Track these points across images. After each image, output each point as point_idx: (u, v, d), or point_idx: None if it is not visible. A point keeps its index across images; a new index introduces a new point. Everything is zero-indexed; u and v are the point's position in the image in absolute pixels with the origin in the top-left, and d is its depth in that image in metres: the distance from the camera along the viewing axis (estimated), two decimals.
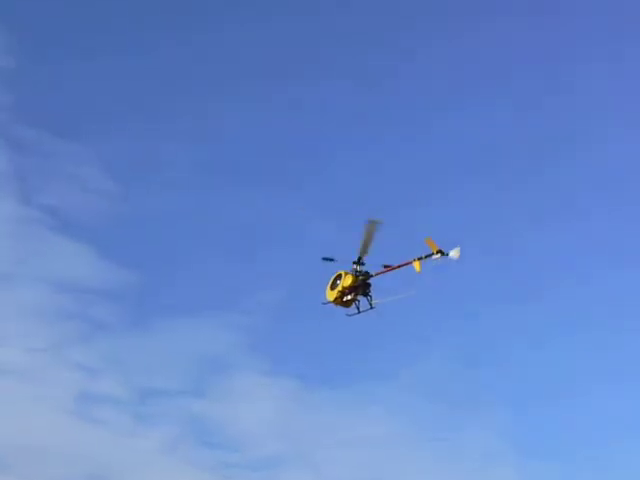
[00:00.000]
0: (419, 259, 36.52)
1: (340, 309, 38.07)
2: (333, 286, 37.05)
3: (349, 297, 36.91)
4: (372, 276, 37.34)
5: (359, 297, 37.24)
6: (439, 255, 36.40)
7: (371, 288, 37.19)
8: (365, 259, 37.56)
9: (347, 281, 37.10)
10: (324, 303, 37.16)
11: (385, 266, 38.06)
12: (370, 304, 37.23)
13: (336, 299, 37.00)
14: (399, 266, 37.44)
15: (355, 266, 37.22)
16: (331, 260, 37.85)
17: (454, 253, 36.50)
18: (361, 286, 37.13)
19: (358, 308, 37.21)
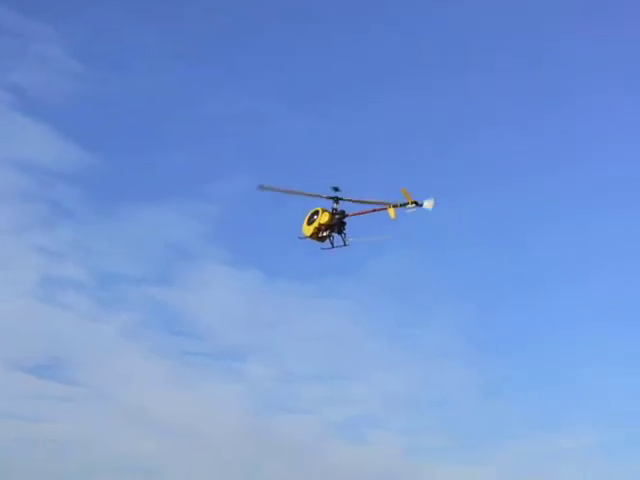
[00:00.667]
0: (394, 206, 37.69)
1: (315, 242, 38.37)
2: (310, 221, 38.03)
3: (325, 233, 37.97)
4: (348, 216, 38.34)
5: (334, 234, 38.33)
6: (413, 206, 37.56)
7: (346, 226, 38.33)
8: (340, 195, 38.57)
9: (324, 218, 38.24)
10: (300, 238, 38.07)
11: (360, 201, 38.14)
12: (344, 241, 38.32)
13: (312, 234, 38.09)
14: (374, 210, 38.48)
15: (333, 204, 38.24)
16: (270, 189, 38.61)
17: (428, 204, 37.78)
18: (337, 224, 38.22)
19: (332, 243, 38.22)
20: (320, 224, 38.00)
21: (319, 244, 38.01)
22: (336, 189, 37.77)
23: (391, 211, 37.60)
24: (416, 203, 37.34)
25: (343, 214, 38.07)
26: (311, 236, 37.97)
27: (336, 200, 37.64)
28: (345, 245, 38.20)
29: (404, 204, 37.33)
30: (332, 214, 38.01)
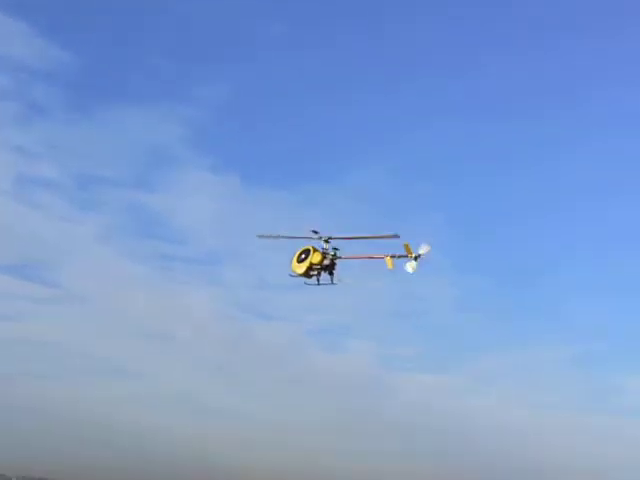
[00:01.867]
0: (392, 256, 37.86)
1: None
2: (300, 259, 38.05)
3: (315, 273, 38.22)
4: (340, 258, 38.38)
5: (323, 273, 38.56)
6: (414, 259, 37.82)
7: (336, 267, 38.18)
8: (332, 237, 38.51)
9: (315, 258, 38.34)
10: (291, 275, 38.47)
11: (351, 238, 38.71)
12: (332, 280, 38.58)
13: (303, 273, 38.26)
14: (370, 257, 38.54)
15: (324, 244, 38.58)
16: (316, 233, 39.32)
17: (423, 250, 38.28)
18: (328, 265, 38.15)
19: (318, 281, 38.61)
20: (312, 263, 38.17)
21: (305, 276, 38.56)
22: (315, 232, 37.77)
23: (389, 261, 37.71)
24: (417, 257, 37.62)
25: (335, 256, 38.17)
26: (301, 274, 38.15)
27: (326, 240, 37.96)
28: (333, 284, 38.56)
29: (403, 256, 37.66)
30: (323, 254, 38.20)
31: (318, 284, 38.51)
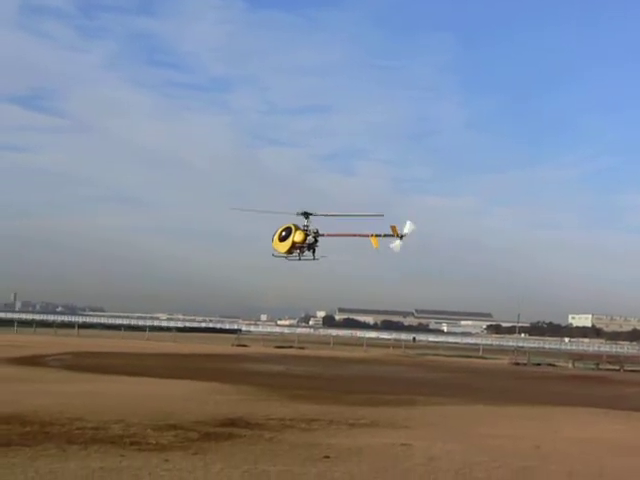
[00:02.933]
0: (377, 235, 34.61)
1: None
2: (281, 238, 35.42)
3: (296, 251, 35.65)
4: (322, 235, 35.69)
5: (305, 251, 35.89)
6: (399, 239, 37.28)
7: (318, 244, 35.55)
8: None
9: (298, 237, 35.75)
10: (274, 255, 35.82)
11: (333, 215, 38.10)
12: (314, 257, 35.81)
13: (285, 252, 35.54)
14: (354, 235, 35.94)
15: (305, 221, 35.40)
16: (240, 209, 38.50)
17: (407, 228, 36.37)
18: (310, 243, 35.57)
19: (299, 257, 35.88)
20: (294, 242, 35.54)
21: (287, 254, 36.80)
22: (306, 213, 36.22)
23: (374, 240, 34.54)
24: (401, 237, 35.42)
25: (317, 234, 35.46)
26: (284, 253, 35.61)
27: (306, 216, 35.15)
28: (314, 259, 35.94)
29: (389, 235, 34.72)
30: (305, 233, 35.48)
31: (299, 259, 36.05)
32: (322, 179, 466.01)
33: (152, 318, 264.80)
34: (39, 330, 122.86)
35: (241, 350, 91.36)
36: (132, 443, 20.70)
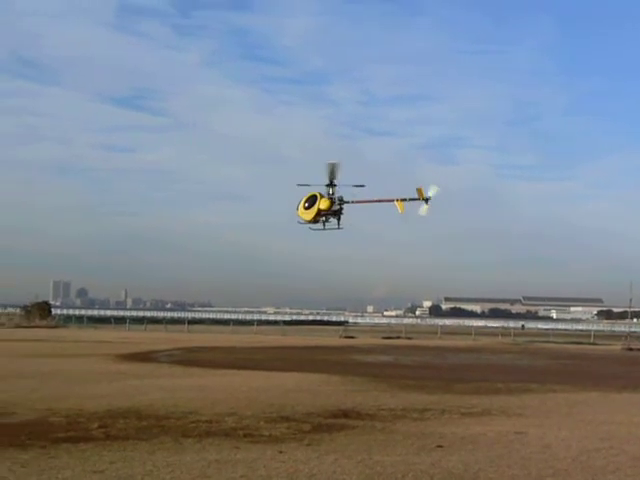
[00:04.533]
0: (402, 200, 36.88)
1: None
2: (306, 206, 37.61)
3: (322, 219, 37.93)
4: (347, 202, 37.74)
5: (330, 218, 38.09)
6: (425, 202, 36.76)
7: (342, 212, 37.88)
8: (335, 182, 37.70)
9: (323, 204, 37.67)
10: (299, 222, 38.02)
11: (356, 186, 37.64)
12: (338, 226, 38.09)
13: (311, 220, 37.95)
14: (379, 200, 37.92)
15: (329, 189, 37.66)
16: (307, 185, 38.30)
17: (432, 192, 36.83)
18: (336, 210, 37.83)
19: (324, 225, 38.23)
20: (320, 209, 37.65)
21: (311, 225, 38.40)
22: (331, 182, 37.22)
23: (399, 205, 37.06)
24: (427, 200, 36.87)
25: (342, 201, 37.68)
26: (309, 221, 38.00)
27: (332, 185, 37.35)
28: (339, 228, 38.32)
29: (414, 199, 36.89)
30: (331, 200, 37.59)
31: (324, 229, 38.29)
32: (422, 168, 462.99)
33: (260, 312, 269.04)
34: (150, 327, 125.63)
35: (348, 342, 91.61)
36: (245, 435, 20.90)
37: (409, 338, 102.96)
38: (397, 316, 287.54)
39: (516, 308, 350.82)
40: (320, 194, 38.09)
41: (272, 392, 31.96)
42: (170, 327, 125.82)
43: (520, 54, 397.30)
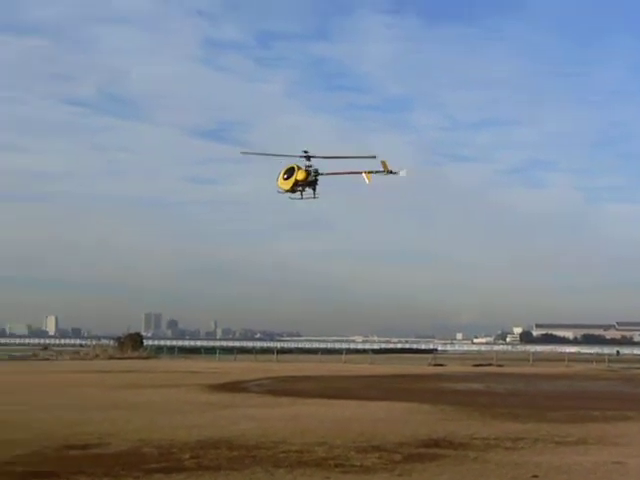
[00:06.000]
0: (369, 172, 40.92)
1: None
2: (285, 177, 41.80)
3: (299, 189, 42.09)
4: (322, 174, 41.84)
5: (307, 188, 42.26)
6: (388, 174, 40.76)
7: (317, 183, 42.08)
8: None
9: (300, 175, 41.72)
10: (278, 191, 42.26)
11: (331, 157, 42.86)
12: (314, 195, 42.31)
13: (289, 189, 42.11)
14: (349, 173, 42.22)
15: (306, 161, 41.72)
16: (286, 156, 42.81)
17: (403, 173, 40.96)
18: (312, 181, 41.98)
19: (302, 195, 42.41)
20: (297, 180, 41.71)
21: (290, 192, 42.40)
22: (306, 152, 41.60)
23: (367, 176, 40.96)
24: (392, 172, 40.62)
25: (317, 172, 41.79)
26: (287, 190, 42.17)
27: (308, 158, 41.51)
28: (315, 197, 42.44)
29: (379, 171, 40.71)
30: (307, 172, 41.66)
31: (302, 198, 42.74)
32: (508, 192, 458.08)
33: (348, 341, 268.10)
34: (239, 357, 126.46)
35: (438, 369, 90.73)
36: (336, 465, 20.77)
37: (500, 365, 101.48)
38: (487, 343, 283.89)
39: (610, 334, 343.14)
40: (298, 166, 41.85)
41: (362, 421, 31.77)
42: (260, 357, 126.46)
43: (605, 75, 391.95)
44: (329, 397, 44.49)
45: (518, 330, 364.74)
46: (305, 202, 43.26)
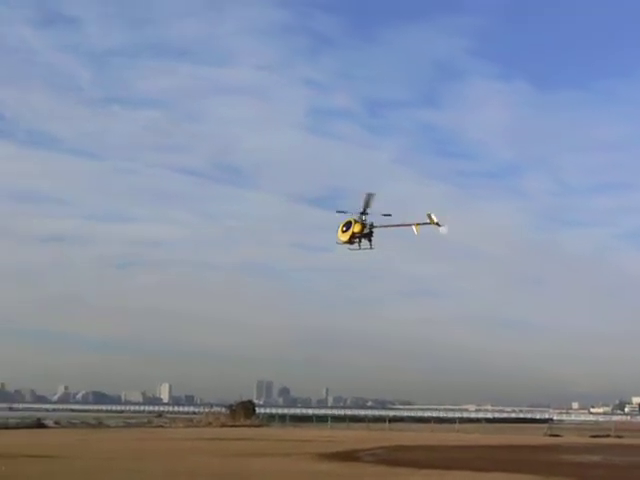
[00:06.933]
0: (418, 224, 45.82)
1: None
2: (344, 230, 46.52)
3: (356, 240, 46.78)
4: (376, 227, 46.63)
5: (363, 240, 46.88)
6: (435, 226, 45.98)
7: (373, 235, 46.70)
8: (368, 211, 47.43)
9: (357, 228, 46.39)
10: (338, 243, 46.90)
11: (385, 215, 47.21)
12: (370, 246, 46.81)
13: (347, 241, 46.74)
14: (400, 225, 46.64)
15: (362, 216, 46.56)
16: (344, 212, 48.37)
17: (443, 230, 46.11)
18: (367, 233, 46.60)
19: (359, 246, 46.87)
20: (354, 232, 46.47)
21: (349, 245, 47.48)
22: (342, 212, 47.45)
23: (416, 228, 45.98)
24: (438, 224, 45.56)
25: (372, 225, 46.73)
26: (346, 242, 46.91)
27: (364, 213, 46.71)
28: (371, 248, 47.03)
29: (427, 223, 45.61)
30: (363, 224, 46.53)
31: (359, 249, 46.93)
32: (627, 258, 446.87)
33: (460, 410, 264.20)
34: (351, 425, 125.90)
35: (554, 440, 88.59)
36: None
37: (619, 436, 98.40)
38: (605, 413, 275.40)
39: None
40: (354, 220, 46.14)
41: None
42: (372, 425, 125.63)
43: None
44: (443, 468, 44.02)
45: (637, 400, 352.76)
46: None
